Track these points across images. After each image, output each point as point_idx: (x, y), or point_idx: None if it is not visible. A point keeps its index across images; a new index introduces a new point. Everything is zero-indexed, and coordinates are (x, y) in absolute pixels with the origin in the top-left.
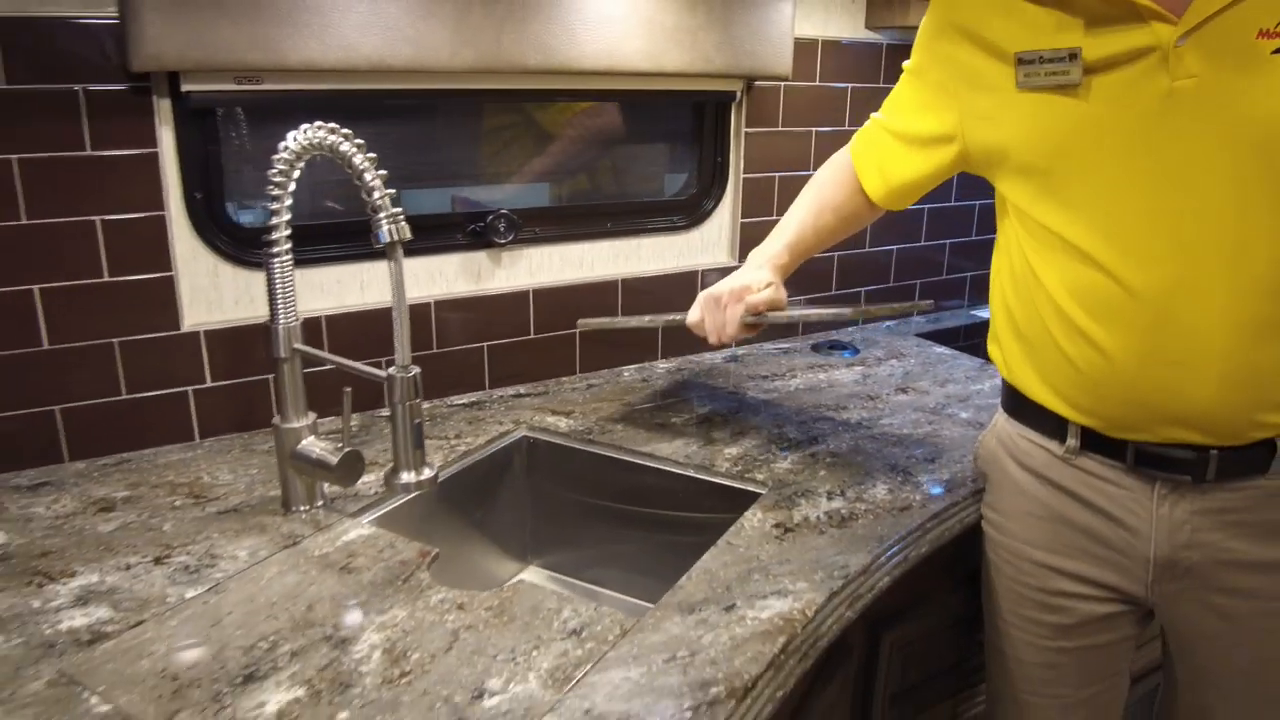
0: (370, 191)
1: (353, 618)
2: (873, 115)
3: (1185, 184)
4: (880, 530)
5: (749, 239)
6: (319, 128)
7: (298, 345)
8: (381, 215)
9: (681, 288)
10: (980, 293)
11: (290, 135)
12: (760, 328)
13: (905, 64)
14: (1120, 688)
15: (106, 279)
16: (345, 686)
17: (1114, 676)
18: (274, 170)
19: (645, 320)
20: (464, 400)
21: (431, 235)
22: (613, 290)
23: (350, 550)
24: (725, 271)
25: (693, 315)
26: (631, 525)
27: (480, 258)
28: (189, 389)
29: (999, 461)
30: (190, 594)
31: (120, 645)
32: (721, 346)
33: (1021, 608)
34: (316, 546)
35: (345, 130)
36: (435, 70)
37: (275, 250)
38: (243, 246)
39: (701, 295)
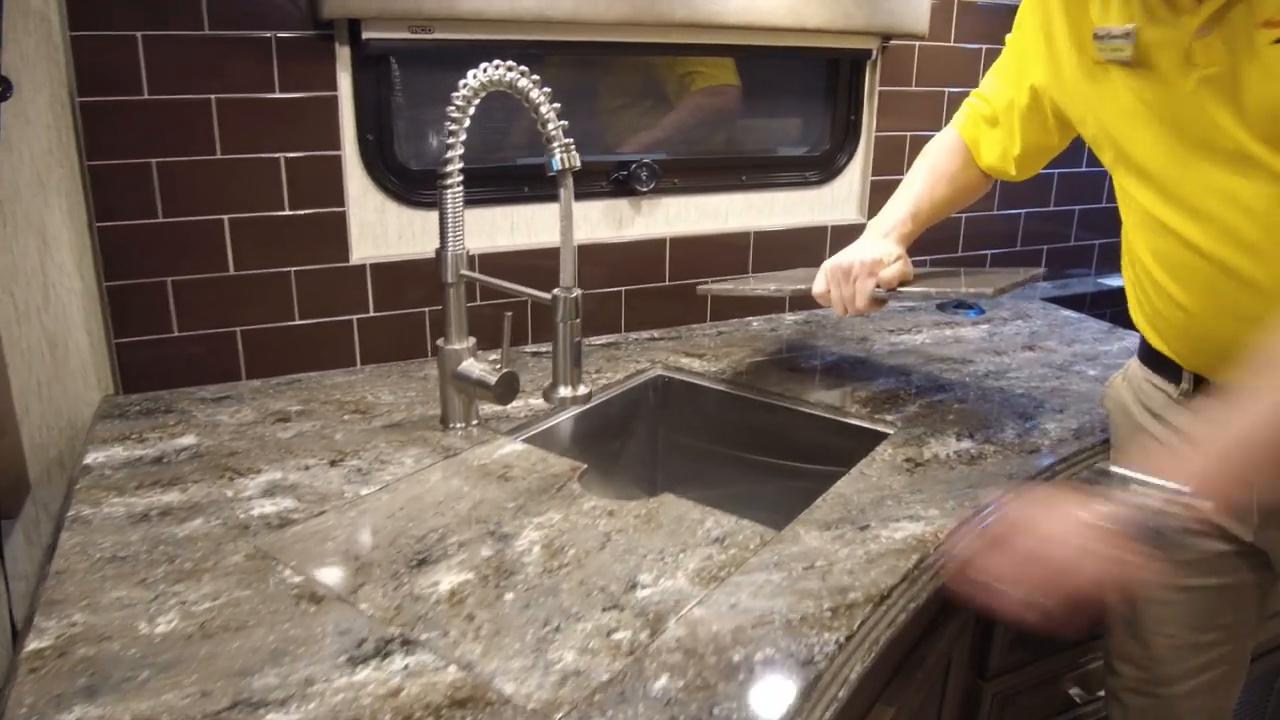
0: (545, 123)
1: (513, 517)
2: (972, 92)
3: (1214, 158)
4: (1009, 469)
5: (879, 197)
6: (498, 65)
7: (464, 271)
8: (555, 145)
9: (811, 242)
10: (1107, 262)
11: (470, 72)
12: (886, 302)
13: (1008, 37)
14: (1240, 639)
15: (287, 212)
16: (509, 573)
17: (1232, 627)
18: (452, 105)
19: (770, 288)
20: (601, 341)
21: (578, 182)
22: (745, 242)
23: (506, 462)
24: (855, 229)
25: (818, 286)
26: (760, 464)
27: (622, 205)
28: (354, 318)
29: (1122, 401)
30: (364, 491)
31: (306, 529)
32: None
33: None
34: (475, 458)
35: (522, 68)
36: (591, 22)
37: (449, 181)
38: (408, 186)
39: (828, 265)
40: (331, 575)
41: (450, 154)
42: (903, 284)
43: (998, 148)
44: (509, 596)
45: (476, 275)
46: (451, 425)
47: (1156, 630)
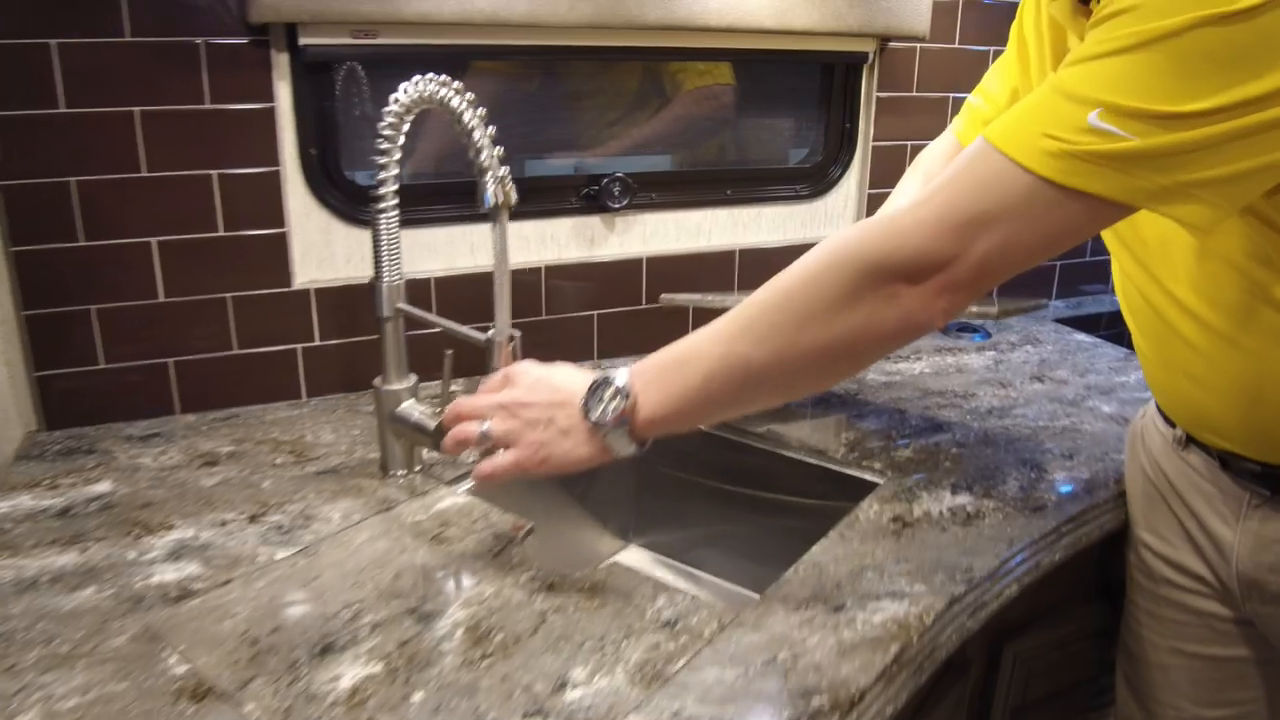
0: (478, 151)
1: (439, 591)
2: (973, 91)
3: None
4: (1010, 532)
5: (877, 210)
6: (430, 80)
7: (401, 305)
8: (487, 176)
9: None
10: None
11: (401, 87)
12: None
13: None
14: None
15: (222, 233)
16: (424, 665)
17: (1242, 705)
18: (383, 123)
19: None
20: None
21: (544, 198)
22: (729, 261)
23: (444, 519)
24: None
25: None
26: (739, 508)
27: (594, 222)
28: (298, 347)
29: (1134, 439)
30: (280, 555)
31: (206, 604)
32: None
33: (1139, 596)
34: (410, 513)
35: (457, 84)
36: (551, 25)
37: (382, 206)
38: (355, 204)
39: None
40: (221, 665)
41: (383, 175)
42: None
43: None
44: (417, 696)
45: (413, 310)
46: (391, 472)
47: (1159, 699)
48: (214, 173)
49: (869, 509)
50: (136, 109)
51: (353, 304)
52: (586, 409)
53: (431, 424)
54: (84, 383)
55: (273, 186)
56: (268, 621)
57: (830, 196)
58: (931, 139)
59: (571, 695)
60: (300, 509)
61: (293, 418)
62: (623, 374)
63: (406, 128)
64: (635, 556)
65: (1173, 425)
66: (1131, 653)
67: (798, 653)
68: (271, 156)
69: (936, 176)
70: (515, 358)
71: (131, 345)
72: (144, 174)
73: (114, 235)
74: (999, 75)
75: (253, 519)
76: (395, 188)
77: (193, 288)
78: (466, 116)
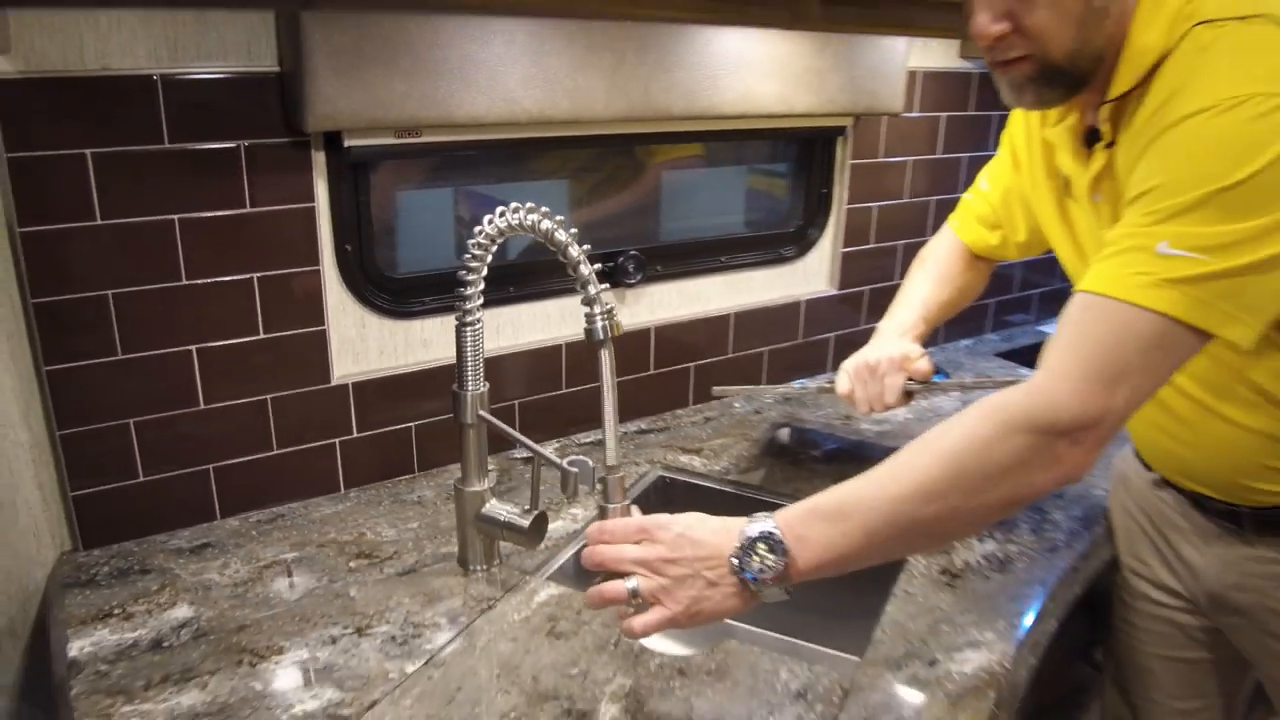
0: (586, 284)
1: (582, 689)
2: (968, 190)
3: None
4: (1038, 573)
5: (849, 269)
6: (516, 209)
7: (483, 413)
8: (596, 311)
9: (784, 318)
10: (1048, 307)
11: (486, 219)
12: (914, 396)
13: (1003, 134)
14: (1219, 710)
15: (261, 336)
16: None
17: (1212, 697)
18: (469, 255)
19: (793, 385)
20: (590, 438)
21: (557, 276)
22: (724, 324)
23: (549, 614)
24: (826, 300)
25: (843, 385)
26: None
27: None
28: (336, 441)
29: (1116, 481)
30: (409, 668)
31: None
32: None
33: (1123, 610)
34: (513, 609)
35: (544, 209)
36: (589, 120)
37: (469, 320)
38: (389, 297)
39: (850, 365)
40: None
41: (469, 290)
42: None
43: (996, 238)
44: None
45: (496, 421)
46: (472, 568)
47: (1143, 695)
48: (255, 276)
49: (917, 563)
50: (176, 217)
51: (386, 395)
52: (740, 567)
53: (524, 523)
54: (122, 498)
55: (313, 285)
56: None
57: (809, 257)
58: (895, 199)
59: None
60: (403, 616)
61: (340, 513)
62: (768, 525)
63: (492, 252)
64: None
65: (1148, 469)
66: (1118, 658)
67: (919, 709)
68: (312, 255)
69: (1054, 335)
70: (624, 489)
71: (172, 456)
72: (184, 282)
73: (154, 346)
74: (991, 176)
75: (360, 632)
76: (480, 302)
77: (234, 393)
78: (560, 236)
